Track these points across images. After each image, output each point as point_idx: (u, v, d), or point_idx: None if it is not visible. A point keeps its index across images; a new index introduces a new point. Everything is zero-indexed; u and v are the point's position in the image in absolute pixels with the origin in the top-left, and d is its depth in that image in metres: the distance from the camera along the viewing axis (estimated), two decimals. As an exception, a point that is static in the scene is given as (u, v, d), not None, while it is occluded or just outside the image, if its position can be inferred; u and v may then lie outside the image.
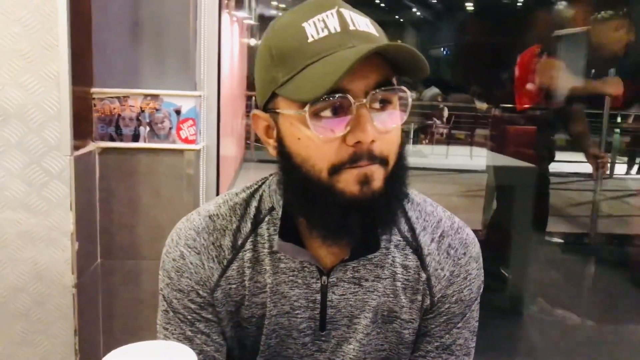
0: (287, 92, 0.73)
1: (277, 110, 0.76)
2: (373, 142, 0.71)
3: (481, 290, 0.91)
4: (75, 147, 1.56)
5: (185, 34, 1.72)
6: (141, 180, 1.75)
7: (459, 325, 0.88)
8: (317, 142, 0.72)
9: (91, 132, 1.71)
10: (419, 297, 0.86)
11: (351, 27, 0.72)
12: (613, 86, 2.98)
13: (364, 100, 0.70)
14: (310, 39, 0.71)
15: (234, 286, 0.84)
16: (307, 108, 0.70)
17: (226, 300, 0.85)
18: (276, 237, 0.81)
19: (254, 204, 0.85)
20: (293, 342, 0.87)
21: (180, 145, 1.73)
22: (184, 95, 1.72)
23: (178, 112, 1.71)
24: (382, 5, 13.54)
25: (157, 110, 1.71)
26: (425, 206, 0.89)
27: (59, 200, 1.55)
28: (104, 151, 1.72)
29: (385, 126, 0.73)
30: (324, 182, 0.73)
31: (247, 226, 0.84)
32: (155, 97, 1.71)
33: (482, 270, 0.90)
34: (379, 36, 0.75)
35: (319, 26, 0.72)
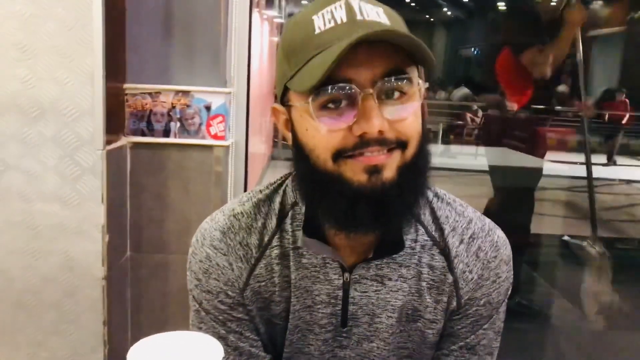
0: (293, 84, 0.73)
1: (289, 103, 0.76)
2: (382, 133, 0.70)
3: (509, 292, 0.89)
4: (108, 142, 1.59)
5: (217, 31, 1.73)
6: (171, 175, 1.77)
7: (485, 326, 0.87)
8: (322, 132, 0.71)
9: (123, 127, 1.73)
10: (445, 299, 0.85)
11: (358, 17, 0.70)
12: (574, 19, 2.92)
13: (371, 91, 0.69)
14: (317, 31, 0.71)
15: (263, 284, 0.84)
16: (310, 100, 0.70)
17: (256, 298, 0.85)
18: (300, 233, 0.81)
19: (278, 199, 0.85)
20: (314, 337, 0.86)
21: (209, 141, 1.74)
22: (214, 92, 1.73)
23: (208, 108, 1.73)
24: (413, 4, 13.45)
25: (187, 106, 1.73)
26: (456, 206, 0.87)
27: (91, 193, 1.57)
28: (135, 146, 1.75)
29: (397, 116, 0.71)
30: (330, 172, 0.72)
31: (272, 222, 0.84)
32: (186, 93, 1.73)
33: (512, 273, 0.88)
34: (390, 24, 0.72)
35: (326, 17, 0.71)
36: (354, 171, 0.71)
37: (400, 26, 0.74)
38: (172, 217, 1.80)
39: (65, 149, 1.56)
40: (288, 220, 0.84)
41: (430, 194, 0.87)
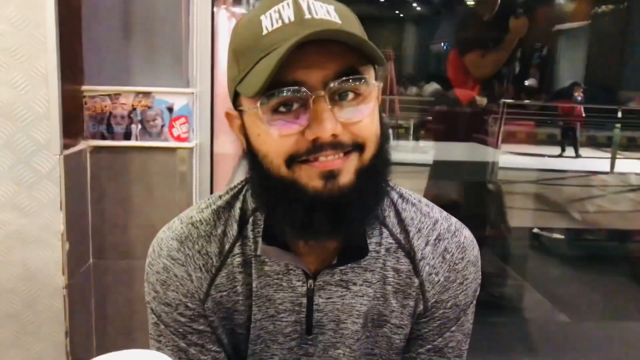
0: (241, 88, 0.70)
1: (240, 108, 0.73)
2: (336, 136, 0.67)
3: (477, 293, 0.87)
4: (66, 146, 1.53)
5: (178, 30, 1.69)
6: (133, 179, 1.72)
7: (453, 328, 0.86)
8: (274, 137, 0.69)
9: (82, 130, 1.68)
10: (411, 302, 0.83)
11: (307, 16, 0.67)
12: (518, 29, 3.11)
13: (322, 93, 0.66)
14: (265, 32, 0.68)
15: (224, 293, 0.81)
16: (258, 104, 0.67)
17: (218, 308, 0.81)
18: (260, 241, 0.78)
19: (238, 205, 0.82)
20: (279, 347, 0.84)
21: (172, 143, 1.70)
22: (177, 93, 1.69)
23: (170, 109, 1.69)
24: (382, 0, 13.49)
25: (149, 108, 1.68)
26: (421, 207, 0.85)
27: (49, 200, 1.52)
28: (95, 150, 1.69)
29: (351, 118, 0.69)
30: (285, 178, 0.70)
31: (233, 230, 0.81)
32: (147, 94, 1.68)
33: (480, 273, 0.86)
34: (341, 23, 0.69)
35: (274, 17, 0.68)
36: (309, 177, 0.69)
37: (351, 24, 0.71)
38: (136, 222, 1.75)
39: (21, 154, 1.50)
40: (249, 227, 0.81)
41: (394, 195, 0.85)
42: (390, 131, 0.80)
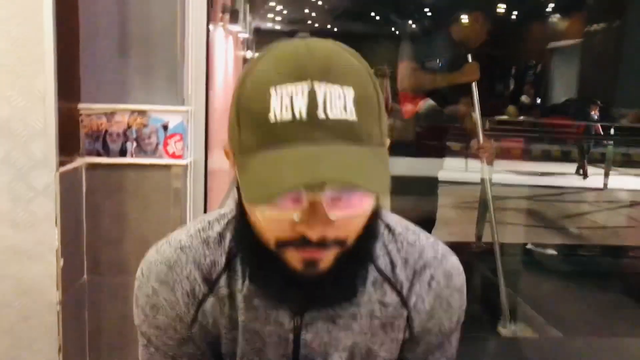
0: (240, 180, 0.68)
1: (238, 164, 0.69)
2: (324, 237, 0.67)
3: (461, 320, 0.88)
4: (62, 163, 1.55)
5: (173, 49, 1.72)
6: (128, 196, 1.74)
7: (437, 354, 0.87)
8: (267, 217, 0.68)
9: (78, 147, 1.70)
10: (400, 335, 0.84)
11: (320, 116, 0.62)
12: (469, 73, 3.07)
13: (319, 196, 0.64)
14: (272, 118, 0.63)
15: (211, 321, 0.82)
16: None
17: (205, 334, 0.82)
18: (246, 281, 0.79)
19: (229, 236, 0.82)
20: None
21: (167, 161, 1.72)
22: (172, 111, 1.71)
23: (165, 127, 1.71)
24: (377, 17, 13.62)
25: (144, 126, 1.70)
26: (407, 236, 0.85)
27: (45, 215, 1.54)
28: (91, 167, 1.71)
29: (344, 218, 0.67)
30: (271, 249, 0.71)
31: (221, 261, 0.81)
32: (142, 112, 1.70)
33: (465, 301, 0.87)
34: (357, 124, 0.64)
35: (284, 102, 0.63)
36: (292, 259, 0.70)
37: (368, 118, 0.66)
38: (131, 238, 1.76)
39: (17, 170, 1.52)
40: (238, 260, 0.80)
41: (382, 227, 0.84)
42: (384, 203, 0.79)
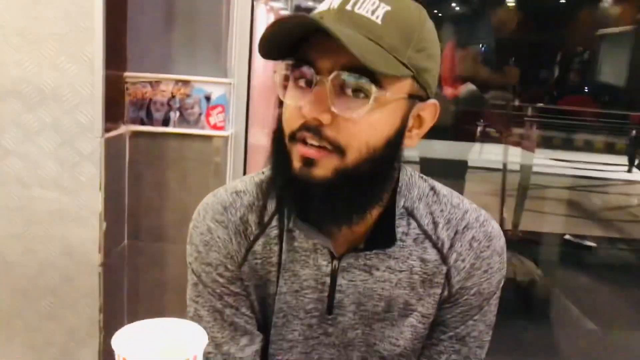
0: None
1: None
2: (321, 124, 0.70)
3: (502, 284, 0.89)
4: (107, 130, 1.59)
5: (218, 21, 1.73)
6: (169, 165, 1.78)
7: (476, 317, 0.87)
8: (287, 106, 0.74)
9: (123, 115, 1.74)
10: (438, 290, 0.85)
11: (348, 7, 0.70)
12: (508, 77, 3.10)
13: (325, 78, 0.69)
14: (318, 9, 0.73)
15: (259, 261, 0.85)
16: (278, 69, 0.73)
17: (253, 274, 0.85)
18: (291, 223, 0.82)
19: None
20: (299, 322, 0.87)
21: (209, 132, 1.75)
22: (215, 82, 1.73)
23: (208, 98, 1.73)
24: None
25: (187, 96, 1.73)
26: (452, 199, 0.87)
27: (90, 180, 1.58)
28: (135, 134, 1.75)
29: (343, 113, 0.69)
30: (286, 148, 0.75)
31: (273, 204, 0.85)
32: (186, 83, 1.73)
33: (505, 265, 0.88)
34: (379, 27, 0.69)
35: (327, 1, 0.73)
36: (294, 156, 0.73)
37: (390, 32, 0.70)
38: (170, 207, 1.80)
39: (65, 135, 1.56)
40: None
41: (426, 188, 0.87)
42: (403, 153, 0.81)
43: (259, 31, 2.11)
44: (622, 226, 5.44)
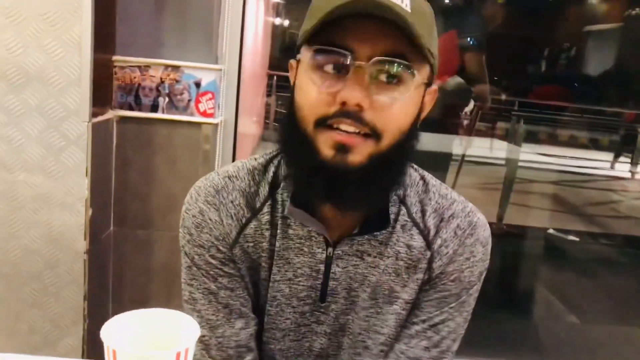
0: (304, 36, 0.73)
1: (299, 58, 0.76)
2: (362, 109, 0.70)
3: (483, 277, 0.89)
4: (94, 114, 1.56)
5: (210, 6, 1.70)
6: (157, 151, 1.75)
7: (452, 305, 0.87)
8: (312, 92, 0.72)
9: (110, 99, 1.71)
10: (420, 275, 0.86)
11: None
12: (479, 95, 3.15)
13: (364, 64, 0.69)
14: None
15: (251, 244, 0.85)
16: (309, 54, 0.72)
17: (245, 257, 0.86)
18: (288, 202, 0.82)
19: (272, 169, 0.87)
20: (292, 310, 0.88)
21: (198, 118, 1.72)
22: (205, 68, 1.70)
23: (198, 84, 1.70)
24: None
25: (177, 81, 1.70)
26: (440, 189, 0.89)
27: (75, 165, 1.55)
28: (122, 120, 1.72)
29: (382, 100, 0.71)
30: (308, 135, 0.73)
31: (265, 190, 0.86)
32: (176, 68, 1.70)
33: (488, 257, 0.89)
34: (409, 14, 0.70)
35: None
36: (325, 143, 0.72)
37: (420, 21, 0.71)
38: (158, 193, 1.78)
39: (50, 119, 1.53)
40: (280, 191, 0.85)
41: (417, 177, 0.89)
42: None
43: (250, 19, 2.08)
44: (603, 221, 5.51)
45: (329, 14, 0.67)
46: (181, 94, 1.70)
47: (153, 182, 1.77)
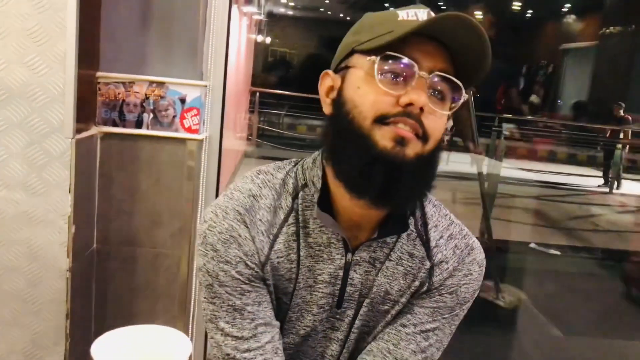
0: (366, 45, 0.80)
1: (347, 65, 0.83)
2: (422, 112, 0.77)
3: (475, 296, 0.93)
4: (78, 130, 1.55)
5: (195, 23, 1.71)
6: (142, 168, 1.74)
7: (445, 317, 0.91)
8: (373, 92, 0.78)
9: (94, 116, 1.70)
10: (417, 283, 0.90)
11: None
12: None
13: (427, 75, 0.78)
14: (400, 18, 0.80)
15: (281, 259, 0.87)
16: (377, 59, 0.78)
17: (273, 273, 0.87)
18: (309, 213, 0.86)
19: (291, 181, 0.90)
20: (312, 318, 0.90)
21: (183, 135, 1.72)
22: (190, 85, 1.70)
23: (183, 100, 1.70)
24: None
25: (162, 97, 1.70)
26: (440, 209, 0.94)
27: (59, 182, 1.53)
28: (106, 136, 1.71)
29: (435, 106, 0.79)
30: (364, 129, 0.78)
31: (288, 202, 0.88)
32: (160, 84, 1.69)
33: (481, 279, 0.93)
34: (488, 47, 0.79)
35: (410, 14, 0.81)
36: (383, 136, 0.77)
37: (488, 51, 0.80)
38: (142, 210, 1.76)
39: (33, 135, 1.51)
40: (299, 201, 0.88)
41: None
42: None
43: (233, 35, 2.08)
44: (584, 235, 5.58)
45: (417, 28, 0.75)
46: (166, 110, 1.70)
47: (137, 199, 1.75)
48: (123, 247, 1.78)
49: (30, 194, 1.54)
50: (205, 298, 0.88)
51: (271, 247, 0.86)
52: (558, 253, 4.62)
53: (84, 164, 1.62)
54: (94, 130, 1.69)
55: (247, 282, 0.85)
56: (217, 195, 1.74)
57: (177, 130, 1.71)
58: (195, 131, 1.72)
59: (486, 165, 4.68)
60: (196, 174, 1.75)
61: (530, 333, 3.18)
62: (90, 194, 1.71)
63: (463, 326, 0.96)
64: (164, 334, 0.64)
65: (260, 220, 0.86)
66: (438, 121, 0.80)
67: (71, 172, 1.53)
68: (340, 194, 0.84)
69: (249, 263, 0.85)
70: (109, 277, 1.79)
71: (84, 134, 1.61)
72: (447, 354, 0.96)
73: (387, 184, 0.78)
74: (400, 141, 0.77)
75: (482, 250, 0.93)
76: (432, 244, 0.90)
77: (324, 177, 0.86)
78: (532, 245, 4.72)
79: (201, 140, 1.74)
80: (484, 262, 0.93)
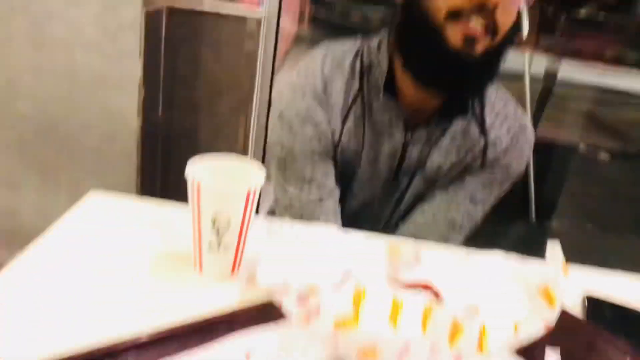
0: None
1: None
2: (497, 6, 0.77)
3: (522, 173, 1.01)
4: (145, 3, 1.65)
5: None
6: (204, 41, 1.84)
7: (494, 188, 0.99)
8: None
9: (161, -12, 1.78)
10: (469, 160, 0.97)
11: None
12: None
13: None
14: None
15: (349, 137, 0.95)
16: None
17: (342, 149, 0.95)
18: (381, 89, 0.91)
19: (358, 63, 0.94)
20: (370, 189, 1.00)
21: (243, 12, 1.80)
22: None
23: (244, -25, 1.76)
24: None
25: (224, -28, 1.75)
26: (498, 89, 0.99)
27: (129, 49, 1.66)
28: (172, 11, 1.81)
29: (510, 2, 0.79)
30: (436, 23, 0.80)
31: (356, 83, 0.93)
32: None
33: (531, 161, 1.00)
34: None
35: None
36: (455, 34, 0.80)
37: None
38: (204, 80, 1.89)
39: (107, 2, 1.62)
40: (365, 83, 0.94)
41: None
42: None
43: None
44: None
45: None
46: (227, -15, 1.76)
47: (199, 70, 1.87)
48: (186, 114, 1.93)
49: (105, 59, 1.67)
50: (274, 169, 0.97)
51: (342, 127, 0.93)
52: (608, 157, 4.56)
53: (151, 34, 1.73)
54: (162, 2, 1.78)
55: (317, 156, 0.93)
56: (273, 72, 1.84)
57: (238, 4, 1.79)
58: (256, 5, 1.79)
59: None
60: (254, 53, 1.85)
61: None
62: (157, 62, 1.84)
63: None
64: (242, 162, 0.76)
65: (335, 102, 0.92)
66: (510, 15, 0.80)
67: (140, 41, 1.65)
68: (405, 80, 0.88)
69: (322, 141, 0.93)
70: (174, 141, 1.96)
71: (152, 7, 1.71)
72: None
73: (454, 77, 0.82)
74: (470, 40, 0.79)
75: (533, 133, 0.99)
76: (488, 124, 0.95)
77: (390, 61, 0.89)
78: (582, 147, 4.66)
79: (260, 20, 1.82)
80: (533, 143, 1.00)
